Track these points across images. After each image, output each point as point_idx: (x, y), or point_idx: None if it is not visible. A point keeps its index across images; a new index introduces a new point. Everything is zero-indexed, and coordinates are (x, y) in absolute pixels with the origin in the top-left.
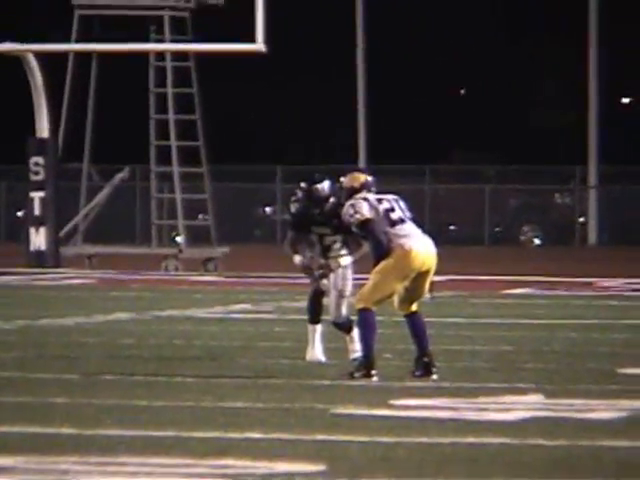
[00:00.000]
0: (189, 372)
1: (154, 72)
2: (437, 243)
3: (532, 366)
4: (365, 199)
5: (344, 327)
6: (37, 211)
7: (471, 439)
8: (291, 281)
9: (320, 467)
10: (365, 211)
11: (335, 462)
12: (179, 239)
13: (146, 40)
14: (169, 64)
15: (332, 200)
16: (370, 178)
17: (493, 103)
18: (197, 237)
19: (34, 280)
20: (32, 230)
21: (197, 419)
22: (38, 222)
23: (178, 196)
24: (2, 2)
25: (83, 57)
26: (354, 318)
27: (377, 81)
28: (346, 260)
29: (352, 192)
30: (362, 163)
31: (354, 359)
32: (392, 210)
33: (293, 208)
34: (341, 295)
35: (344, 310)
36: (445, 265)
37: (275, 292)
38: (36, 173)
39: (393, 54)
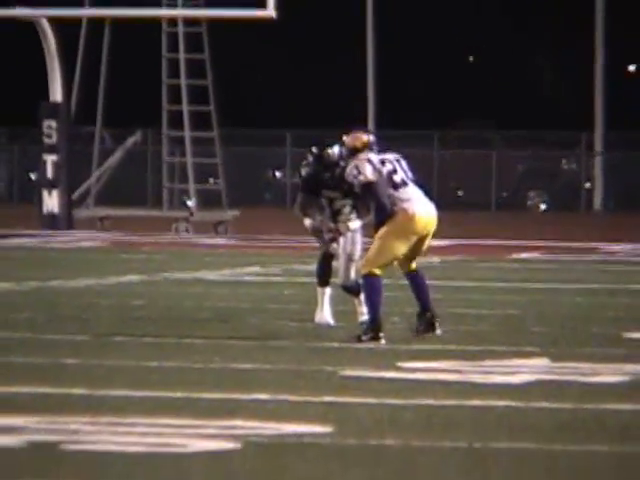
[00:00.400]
0: (199, 334)
1: (166, 38)
2: (445, 208)
3: (537, 330)
4: (369, 160)
5: (353, 290)
6: (50, 174)
7: (476, 402)
8: (300, 244)
9: (328, 428)
10: (369, 173)
11: (343, 423)
12: (190, 202)
13: (158, 6)
14: (181, 30)
15: (342, 164)
16: (372, 137)
17: (500, 70)
18: (208, 200)
19: (46, 242)
20: (45, 193)
21: (206, 380)
22: (51, 185)
23: (189, 160)
24: None
25: (96, 22)
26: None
27: (387, 48)
28: (355, 224)
29: (354, 151)
30: (371, 128)
31: (362, 322)
32: (395, 172)
33: (304, 172)
34: (350, 259)
35: (353, 274)
36: (452, 230)
37: (284, 255)
38: (49, 136)
39: (403, 21)
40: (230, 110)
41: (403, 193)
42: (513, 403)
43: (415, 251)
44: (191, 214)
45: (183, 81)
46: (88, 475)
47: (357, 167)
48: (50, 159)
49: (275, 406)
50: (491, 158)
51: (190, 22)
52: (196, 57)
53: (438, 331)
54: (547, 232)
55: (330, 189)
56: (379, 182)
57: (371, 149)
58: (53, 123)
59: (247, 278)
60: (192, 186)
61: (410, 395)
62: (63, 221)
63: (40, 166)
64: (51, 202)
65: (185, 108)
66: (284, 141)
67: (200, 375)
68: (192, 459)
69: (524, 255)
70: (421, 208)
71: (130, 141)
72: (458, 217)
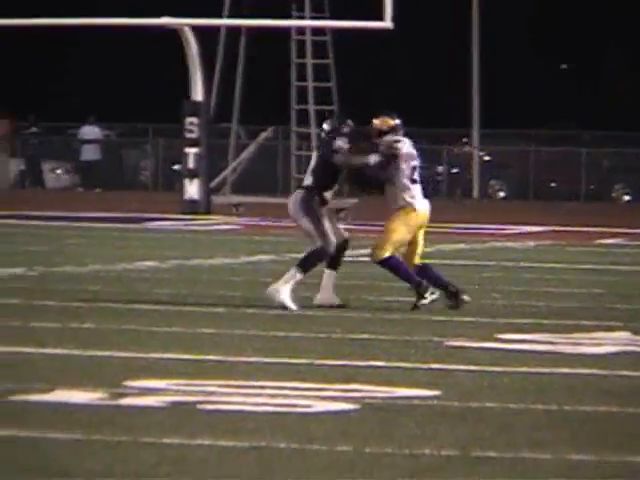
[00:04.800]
0: (321, 307)
1: (295, 45)
2: (540, 198)
3: (621, 307)
4: (404, 142)
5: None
6: (191, 165)
7: (566, 369)
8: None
9: (435, 392)
10: (404, 148)
11: (448, 388)
12: None
13: (288, 17)
14: (309, 38)
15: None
16: (399, 122)
17: (590, 77)
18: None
19: (187, 225)
20: (186, 181)
21: (328, 349)
22: (192, 174)
23: (315, 154)
24: None
25: (233, 31)
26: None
27: (490, 56)
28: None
29: (380, 133)
30: (475, 128)
31: (433, 296)
32: (416, 169)
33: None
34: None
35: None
36: (546, 218)
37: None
38: (190, 131)
39: (504, 29)
40: (350, 109)
41: (414, 189)
42: (598, 371)
43: (416, 244)
44: None
45: (310, 83)
46: (222, 432)
47: (397, 141)
48: (191, 152)
49: (388, 372)
50: (581, 154)
51: (317, 31)
52: (322, 62)
53: (466, 297)
54: (630, 221)
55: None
56: (403, 166)
57: (397, 132)
58: (194, 120)
59: (362, 259)
60: None
61: (507, 363)
62: (202, 206)
63: (183, 158)
64: (192, 190)
65: (311, 107)
66: None
67: (322, 344)
68: (315, 418)
69: (609, 241)
70: (422, 206)
71: (263, 136)
72: (551, 207)
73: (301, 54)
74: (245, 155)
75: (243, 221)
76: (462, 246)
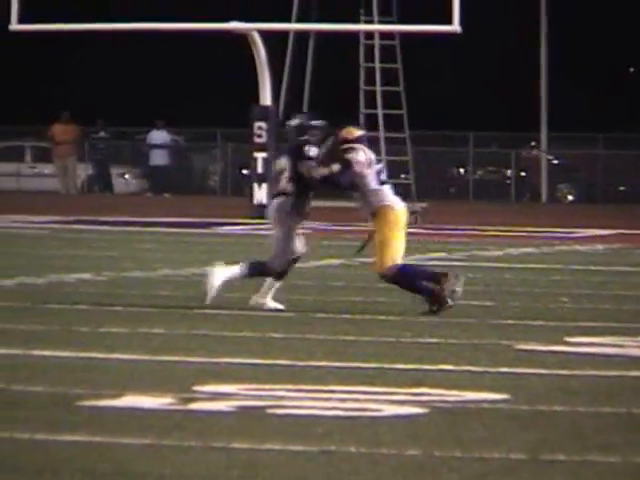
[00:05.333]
0: (393, 310)
1: (363, 49)
2: (608, 201)
3: None
4: (363, 150)
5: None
6: (260, 169)
7: (635, 372)
8: (482, 233)
9: (504, 396)
10: (360, 157)
11: (517, 391)
12: None
13: (355, 21)
14: (377, 42)
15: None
16: (363, 133)
17: None
18: (400, 194)
19: (255, 230)
20: (255, 186)
21: (397, 353)
22: (260, 179)
23: (384, 157)
24: None
25: (302, 35)
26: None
27: (558, 60)
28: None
29: (344, 142)
30: (543, 131)
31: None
32: (382, 171)
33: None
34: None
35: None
36: (615, 221)
37: (467, 243)
38: (259, 136)
39: (573, 32)
40: (419, 113)
41: (385, 191)
42: None
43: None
44: None
45: (378, 88)
46: (292, 436)
47: (354, 149)
48: (260, 156)
49: (457, 376)
50: None
51: (385, 36)
52: (390, 66)
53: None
54: None
55: None
56: (365, 171)
57: (362, 142)
58: (263, 124)
59: (434, 262)
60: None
61: (576, 366)
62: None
63: (252, 162)
64: (260, 194)
65: (380, 112)
66: (467, 142)
67: (392, 348)
68: (385, 422)
69: None
70: (398, 203)
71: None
72: (620, 210)
73: (369, 58)
74: None
75: (311, 225)
76: (530, 250)
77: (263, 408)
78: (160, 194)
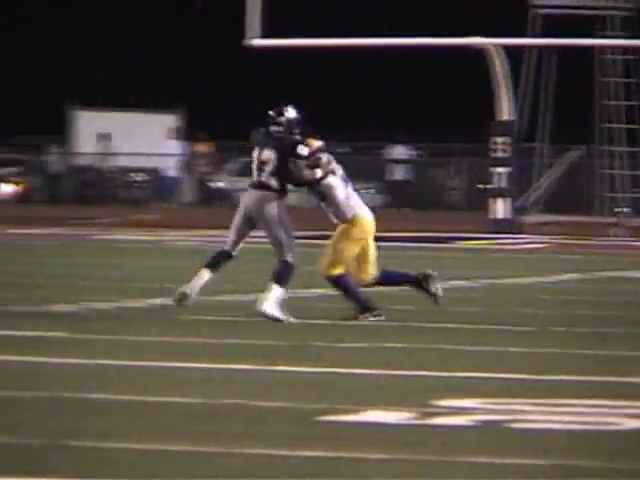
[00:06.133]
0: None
1: (598, 64)
2: None
3: None
4: (327, 157)
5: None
6: (500, 184)
7: None
8: None
9: None
10: (324, 158)
11: None
12: (623, 209)
13: (589, 36)
14: (615, 57)
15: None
16: (322, 143)
17: None
18: (638, 208)
19: (494, 244)
20: (491, 200)
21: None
22: (499, 194)
23: (622, 172)
24: (475, 4)
25: (542, 49)
26: None
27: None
28: None
29: (316, 152)
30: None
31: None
32: (347, 181)
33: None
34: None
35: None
36: None
37: None
38: (498, 151)
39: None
40: None
41: (353, 200)
42: None
43: (367, 254)
44: (619, 220)
45: (614, 102)
46: (532, 451)
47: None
48: (499, 171)
49: None
50: None
51: (623, 50)
52: (627, 81)
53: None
54: None
55: None
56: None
57: (321, 152)
58: (503, 139)
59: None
60: (623, 195)
61: None
62: (511, 226)
63: (491, 177)
64: (498, 208)
65: (616, 126)
66: None
67: (626, 361)
68: (625, 436)
69: None
70: (367, 213)
71: (573, 155)
72: None
73: (605, 72)
74: (554, 173)
75: (550, 239)
76: None
77: (502, 422)
78: (401, 208)
